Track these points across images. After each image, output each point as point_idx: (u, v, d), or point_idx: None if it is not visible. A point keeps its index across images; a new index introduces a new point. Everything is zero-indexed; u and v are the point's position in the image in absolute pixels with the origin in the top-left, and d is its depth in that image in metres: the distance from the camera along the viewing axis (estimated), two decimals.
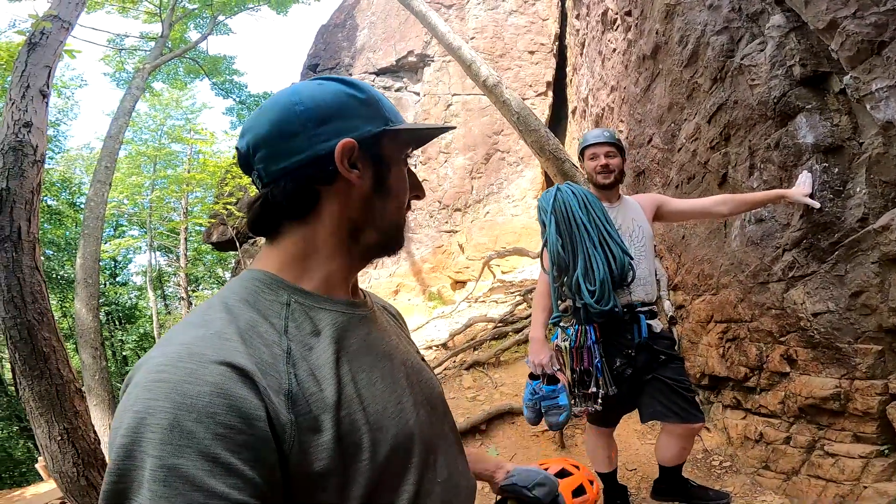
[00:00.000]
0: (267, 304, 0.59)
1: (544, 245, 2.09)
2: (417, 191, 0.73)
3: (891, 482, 1.93)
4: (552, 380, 2.01)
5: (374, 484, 0.56)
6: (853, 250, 1.95)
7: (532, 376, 2.08)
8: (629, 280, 2.01)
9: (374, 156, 0.65)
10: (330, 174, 0.61)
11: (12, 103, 3.01)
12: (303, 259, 0.64)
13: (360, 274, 0.73)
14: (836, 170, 2.00)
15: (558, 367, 2.05)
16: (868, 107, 1.76)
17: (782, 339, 2.34)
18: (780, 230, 2.31)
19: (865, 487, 1.98)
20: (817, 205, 2.03)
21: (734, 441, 2.76)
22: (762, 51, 2.24)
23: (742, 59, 2.36)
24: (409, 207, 0.72)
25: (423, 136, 0.74)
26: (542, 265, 2.12)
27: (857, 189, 1.93)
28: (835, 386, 2.08)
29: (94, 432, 3.01)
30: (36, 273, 2.83)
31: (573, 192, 2.07)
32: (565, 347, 2.05)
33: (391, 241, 0.69)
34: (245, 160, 0.65)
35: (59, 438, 2.77)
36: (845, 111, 1.97)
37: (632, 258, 2.02)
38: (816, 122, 2.04)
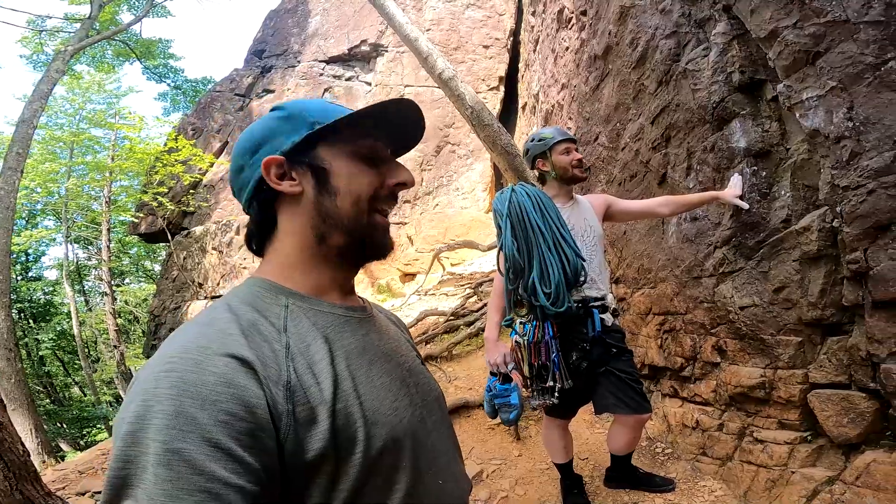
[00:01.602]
0: (267, 306, 0.63)
1: (500, 249, 2.09)
2: (397, 177, 0.72)
3: (815, 467, 2.04)
4: (507, 378, 2.06)
5: (364, 478, 0.57)
6: (777, 249, 2.09)
7: (493, 373, 2.12)
8: (582, 281, 2.07)
9: (309, 161, 0.68)
10: (271, 192, 0.67)
11: None
12: (290, 268, 0.68)
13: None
14: (764, 173, 2.14)
15: (513, 367, 2.09)
16: (797, 115, 1.88)
17: (713, 330, 2.48)
18: (712, 228, 2.45)
19: (793, 472, 2.10)
20: (746, 206, 2.17)
21: (674, 429, 2.89)
22: (706, 56, 2.34)
23: (687, 63, 2.45)
24: (392, 199, 0.73)
25: (376, 120, 0.71)
26: (499, 268, 2.13)
27: (782, 192, 2.07)
28: (760, 375, 2.21)
29: (22, 444, 2.76)
30: None
31: (527, 194, 2.08)
32: (523, 343, 2.08)
33: (362, 240, 0.70)
34: (237, 198, 0.73)
35: None
36: (775, 118, 2.09)
37: (584, 259, 2.07)
38: (749, 127, 2.16)
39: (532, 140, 2.31)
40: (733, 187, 2.21)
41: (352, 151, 0.69)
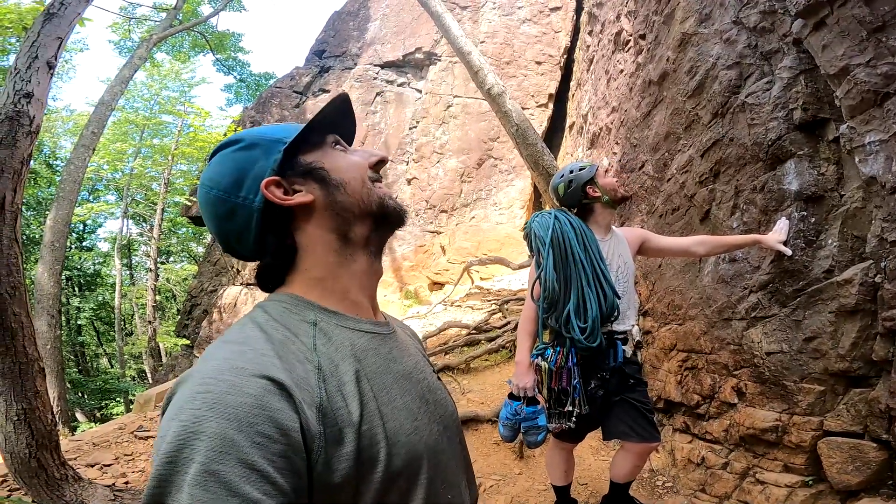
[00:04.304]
0: (296, 324, 0.62)
1: (538, 277, 2.08)
2: (375, 156, 0.73)
3: None
4: (532, 401, 2.07)
5: (381, 496, 0.58)
6: (814, 299, 2.02)
7: (512, 397, 2.12)
8: (616, 317, 2.07)
9: (302, 169, 0.68)
10: (283, 214, 0.66)
11: (17, 73, 2.88)
12: (316, 283, 0.68)
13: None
14: (813, 220, 2.05)
15: (539, 391, 2.10)
16: (857, 159, 1.81)
17: (735, 372, 2.42)
18: (750, 272, 2.37)
19: None
20: (789, 252, 2.09)
21: (678, 463, 2.84)
22: (768, 90, 2.26)
23: (747, 96, 2.38)
24: (378, 178, 0.73)
25: (328, 119, 0.73)
26: (532, 294, 2.12)
27: (829, 241, 1.99)
28: (775, 419, 2.17)
29: (52, 413, 2.92)
30: (14, 245, 2.71)
31: (571, 225, 2.07)
32: (545, 367, 2.08)
33: (383, 214, 0.71)
34: (230, 252, 0.72)
35: (16, 419, 2.68)
36: (834, 160, 2.00)
37: (619, 298, 2.06)
38: (804, 169, 2.08)
39: (571, 171, 2.24)
40: (778, 232, 2.13)
41: (330, 145, 0.72)
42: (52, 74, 3.08)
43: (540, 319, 2.08)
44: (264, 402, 0.50)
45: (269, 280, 0.70)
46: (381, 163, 0.73)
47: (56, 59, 3.10)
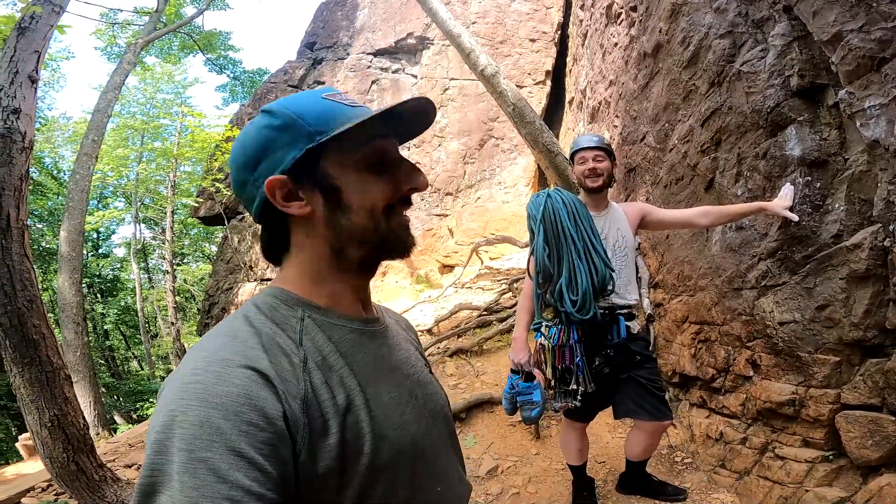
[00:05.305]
0: (284, 319, 0.63)
1: (532, 253, 2.12)
2: (410, 183, 0.68)
3: (831, 487, 2.02)
4: (529, 376, 2.11)
5: (366, 489, 0.60)
6: (824, 265, 2.00)
7: (513, 371, 2.17)
8: (610, 290, 2.08)
9: (315, 178, 0.63)
10: (281, 212, 0.64)
11: (0, 90, 2.92)
12: (307, 280, 0.67)
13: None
14: (818, 184, 2.03)
15: (536, 366, 2.14)
16: (858, 123, 1.78)
17: (749, 344, 2.41)
18: (758, 239, 2.35)
19: (807, 491, 2.08)
20: (796, 218, 2.06)
21: (697, 439, 2.85)
22: (763, 58, 2.23)
23: (742, 65, 2.35)
24: (408, 203, 0.70)
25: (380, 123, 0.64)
26: (529, 272, 2.16)
27: (836, 205, 1.96)
28: (792, 392, 2.16)
29: (83, 418, 3.05)
30: (25, 260, 2.81)
31: (563, 201, 2.09)
32: (548, 346, 2.11)
33: (383, 247, 0.68)
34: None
35: (50, 425, 2.81)
36: (835, 125, 1.98)
37: (613, 270, 2.07)
38: (806, 134, 2.05)
39: (571, 148, 2.33)
40: (783, 198, 2.11)
41: (359, 160, 0.65)
42: (35, 88, 3.11)
43: (536, 295, 2.11)
44: (250, 391, 0.52)
45: (269, 255, 0.71)
46: (415, 190, 0.69)
47: (37, 73, 3.13)
